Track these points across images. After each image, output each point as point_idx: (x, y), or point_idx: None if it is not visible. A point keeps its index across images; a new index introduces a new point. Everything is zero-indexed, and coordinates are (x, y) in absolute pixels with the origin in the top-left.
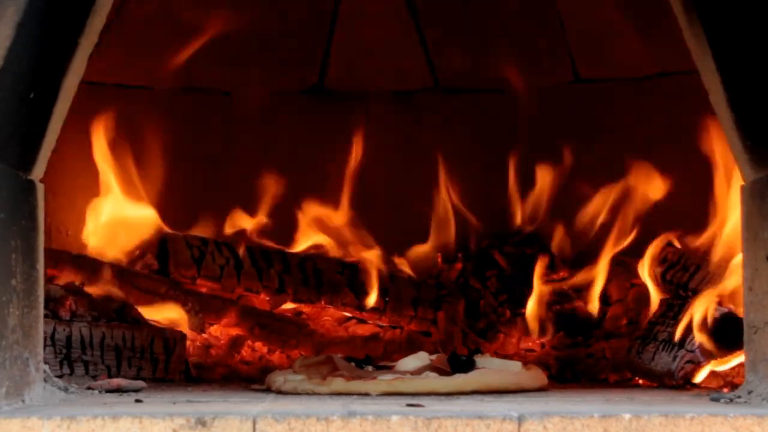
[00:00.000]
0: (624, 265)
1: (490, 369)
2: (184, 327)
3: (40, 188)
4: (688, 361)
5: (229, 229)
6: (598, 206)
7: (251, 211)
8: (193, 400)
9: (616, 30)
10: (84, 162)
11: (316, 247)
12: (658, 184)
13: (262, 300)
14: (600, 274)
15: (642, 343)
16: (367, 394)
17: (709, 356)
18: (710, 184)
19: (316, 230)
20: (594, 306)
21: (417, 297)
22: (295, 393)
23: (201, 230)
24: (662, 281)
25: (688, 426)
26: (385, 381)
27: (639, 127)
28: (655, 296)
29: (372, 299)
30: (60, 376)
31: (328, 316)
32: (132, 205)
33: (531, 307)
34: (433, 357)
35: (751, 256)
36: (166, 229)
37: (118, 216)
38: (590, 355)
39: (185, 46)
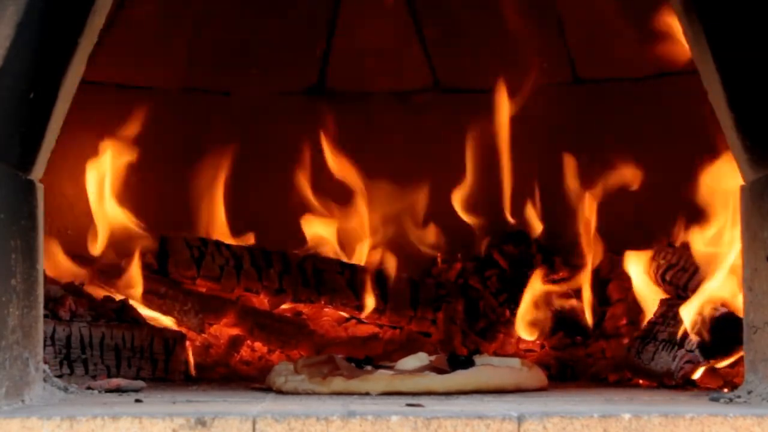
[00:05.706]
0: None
1: (490, 366)
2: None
3: (40, 188)
4: (687, 361)
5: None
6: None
7: (252, 212)
8: (192, 400)
9: (616, 30)
10: (84, 162)
11: (316, 247)
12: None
13: (261, 300)
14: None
15: (642, 343)
16: (367, 394)
17: (708, 357)
18: (710, 184)
19: (317, 230)
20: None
21: (416, 297)
22: (295, 393)
23: (201, 231)
24: (662, 281)
25: (688, 426)
26: (384, 378)
27: (639, 127)
28: (653, 297)
29: (371, 299)
30: (60, 376)
31: (328, 316)
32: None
33: (525, 308)
34: (433, 357)
35: (750, 256)
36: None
37: (116, 217)
38: (590, 355)
39: (185, 46)
